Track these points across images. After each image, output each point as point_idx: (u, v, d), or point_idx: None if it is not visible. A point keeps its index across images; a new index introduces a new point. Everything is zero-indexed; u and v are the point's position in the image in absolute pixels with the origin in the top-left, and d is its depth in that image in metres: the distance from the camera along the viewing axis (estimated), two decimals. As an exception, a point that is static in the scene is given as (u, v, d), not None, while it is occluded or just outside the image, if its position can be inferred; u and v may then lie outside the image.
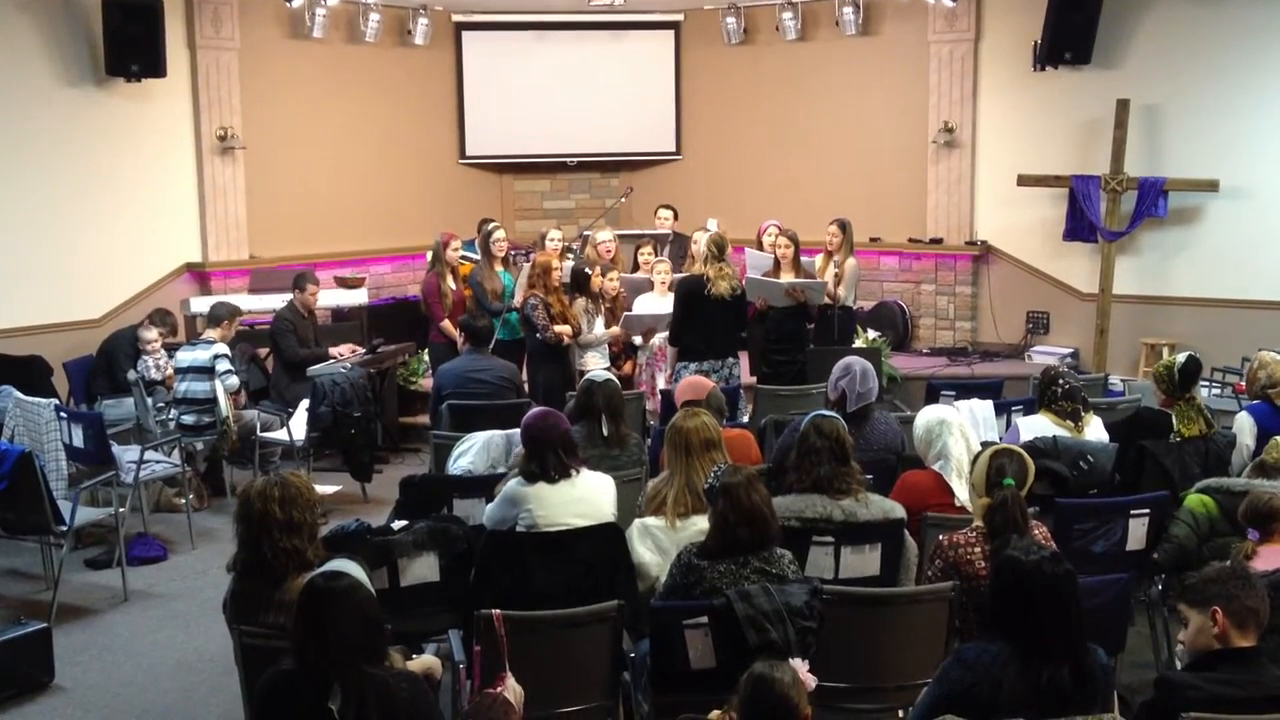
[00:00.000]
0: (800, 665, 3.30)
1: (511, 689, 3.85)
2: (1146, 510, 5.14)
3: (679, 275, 8.98)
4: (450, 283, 9.47)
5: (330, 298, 10.22)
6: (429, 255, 9.80)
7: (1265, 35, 9.83)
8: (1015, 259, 11.12)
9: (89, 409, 8.51)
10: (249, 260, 10.73)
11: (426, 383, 9.70)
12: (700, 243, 8.57)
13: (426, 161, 12.35)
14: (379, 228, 11.84)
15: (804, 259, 8.95)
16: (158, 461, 7.68)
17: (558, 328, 8.41)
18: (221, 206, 10.61)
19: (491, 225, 9.61)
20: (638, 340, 8.92)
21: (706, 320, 8.04)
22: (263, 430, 8.44)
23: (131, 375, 8.41)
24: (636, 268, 9.82)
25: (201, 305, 9.65)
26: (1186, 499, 5.15)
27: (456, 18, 12.39)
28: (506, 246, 9.57)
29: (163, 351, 8.57)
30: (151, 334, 8.58)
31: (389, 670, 3.28)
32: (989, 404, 6.60)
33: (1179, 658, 4.11)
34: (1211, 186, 9.92)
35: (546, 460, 4.79)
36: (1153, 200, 10.09)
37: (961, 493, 5.01)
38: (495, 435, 5.99)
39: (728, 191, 12.38)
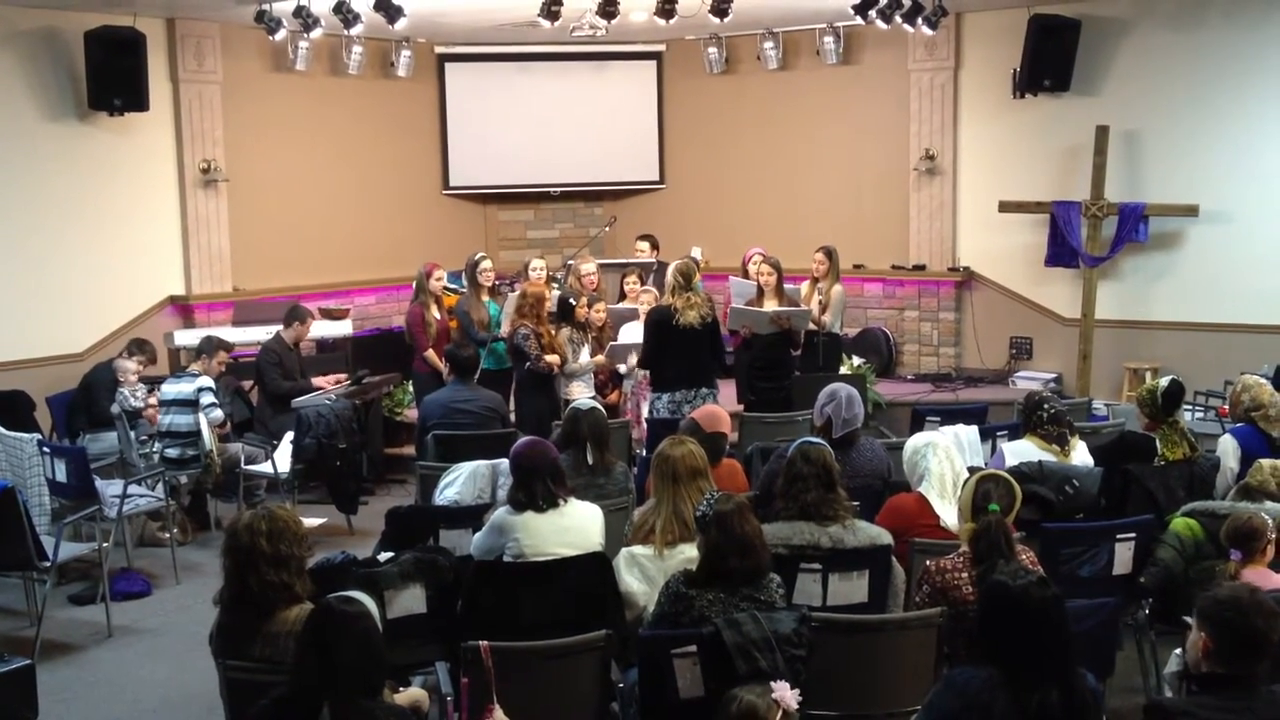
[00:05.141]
0: (782, 685, 3.31)
1: (499, 721, 3.84)
2: (1132, 534, 5.16)
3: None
4: (434, 313, 9.48)
5: (315, 329, 10.18)
6: (414, 286, 9.80)
7: (1242, 61, 9.92)
8: (998, 285, 11.17)
9: (71, 443, 8.46)
10: (233, 293, 10.69)
11: (411, 413, 9.68)
12: (668, 272, 8.55)
13: (410, 192, 12.36)
14: (363, 259, 11.82)
15: (789, 286, 8.98)
16: (141, 495, 7.63)
17: (549, 357, 8.40)
18: (205, 239, 10.59)
19: (479, 256, 9.62)
20: (623, 369, 8.93)
21: (677, 350, 7.96)
22: (247, 463, 8.40)
23: (115, 409, 8.37)
24: (623, 296, 9.83)
25: (185, 338, 9.63)
26: (1172, 522, 5.17)
27: (439, 49, 12.43)
28: (493, 277, 9.58)
29: (141, 385, 8.51)
30: (129, 364, 8.54)
31: (378, 704, 3.27)
32: (974, 429, 6.62)
33: (1166, 683, 4.12)
34: (1191, 211, 9.98)
35: (535, 489, 4.79)
36: (1133, 225, 10.14)
37: (941, 510, 5.02)
38: (481, 465, 5.98)
39: (711, 220, 12.43)
